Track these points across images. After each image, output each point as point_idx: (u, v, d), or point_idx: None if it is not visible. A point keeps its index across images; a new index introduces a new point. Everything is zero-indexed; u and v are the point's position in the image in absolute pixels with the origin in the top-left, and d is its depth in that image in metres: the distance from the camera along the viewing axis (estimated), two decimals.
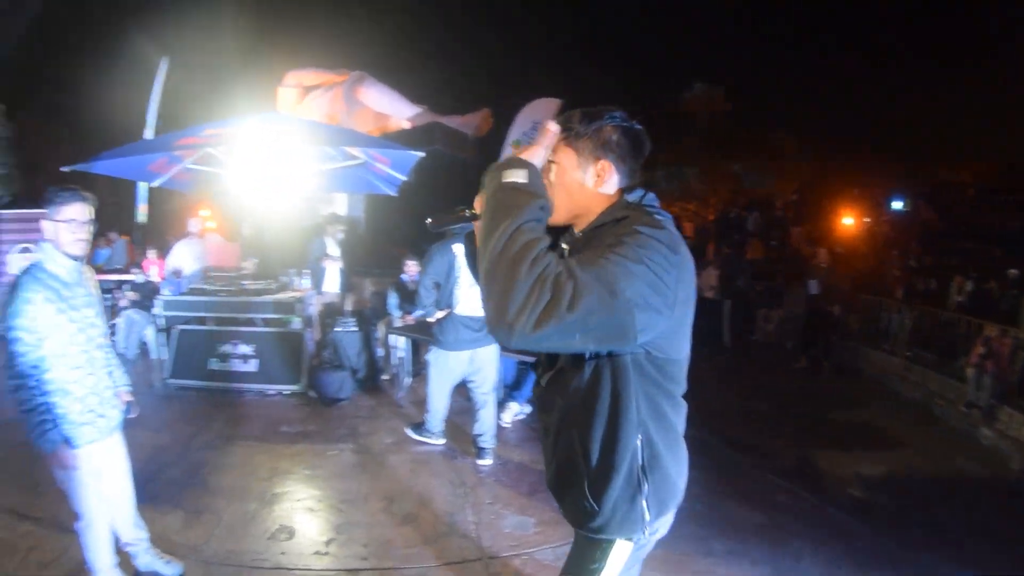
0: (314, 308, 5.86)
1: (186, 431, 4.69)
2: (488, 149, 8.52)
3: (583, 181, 1.32)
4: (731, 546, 3.24)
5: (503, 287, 0.98)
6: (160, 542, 2.80)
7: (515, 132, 8.56)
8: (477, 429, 4.12)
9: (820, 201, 18.10)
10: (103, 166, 5.66)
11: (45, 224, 2.19)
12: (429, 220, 1.39)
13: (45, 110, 17.94)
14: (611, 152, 1.31)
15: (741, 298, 9.72)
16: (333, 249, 6.27)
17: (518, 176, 1.12)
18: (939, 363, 7.23)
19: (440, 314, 4.07)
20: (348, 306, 5.95)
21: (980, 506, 4.34)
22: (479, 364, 4.07)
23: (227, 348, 5.54)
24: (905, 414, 6.52)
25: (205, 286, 5.71)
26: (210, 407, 5.26)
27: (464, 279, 3.87)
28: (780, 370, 8.39)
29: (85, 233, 2.22)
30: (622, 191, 1.34)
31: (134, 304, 6.99)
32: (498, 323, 0.98)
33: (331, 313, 5.69)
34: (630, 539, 1.36)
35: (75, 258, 2.24)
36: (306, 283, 5.92)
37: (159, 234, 10.72)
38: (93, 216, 2.24)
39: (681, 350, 1.31)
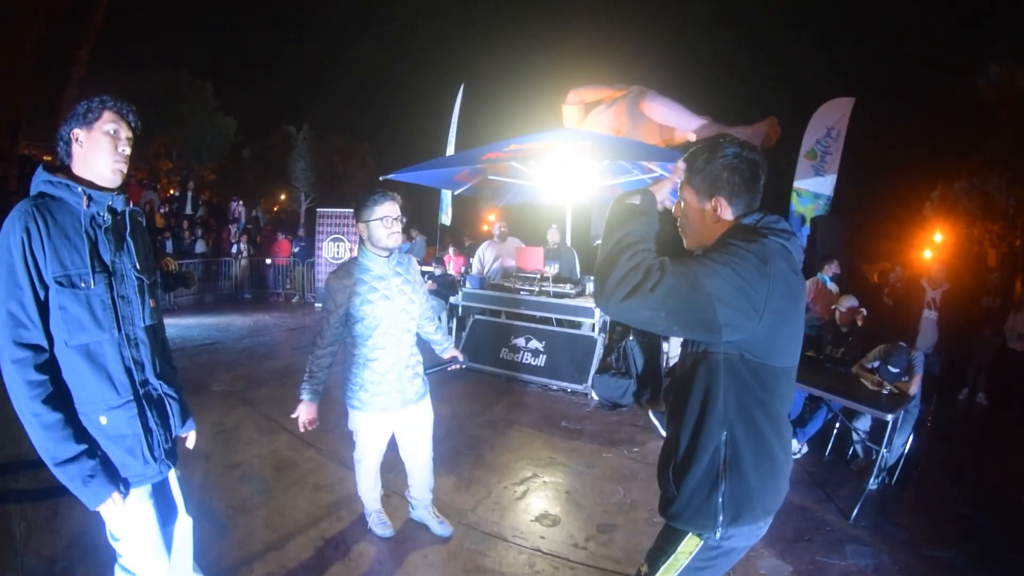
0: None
1: (470, 408, 5.16)
2: (779, 158, 8.03)
3: (702, 215, 1.47)
4: None
5: (608, 269, 1.24)
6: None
7: (809, 140, 8.10)
8: None
9: None
10: (415, 176, 6.63)
11: (360, 226, 2.52)
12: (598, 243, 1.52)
13: (346, 130, 21.61)
14: (723, 189, 1.43)
15: None
16: None
17: (634, 198, 1.38)
18: None
19: None
20: None
21: None
22: None
23: (519, 341, 6.02)
24: None
25: (506, 283, 6.27)
26: (494, 391, 5.72)
27: None
28: None
29: (397, 227, 2.53)
30: (739, 218, 1.44)
31: (432, 293, 8.03)
32: (600, 295, 1.25)
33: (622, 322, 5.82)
34: (700, 535, 1.41)
35: (390, 251, 2.57)
36: None
37: (455, 235, 12.20)
38: (399, 213, 2.54)
39: (779, 358, 1.36)
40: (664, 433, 1.58)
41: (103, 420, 1.59)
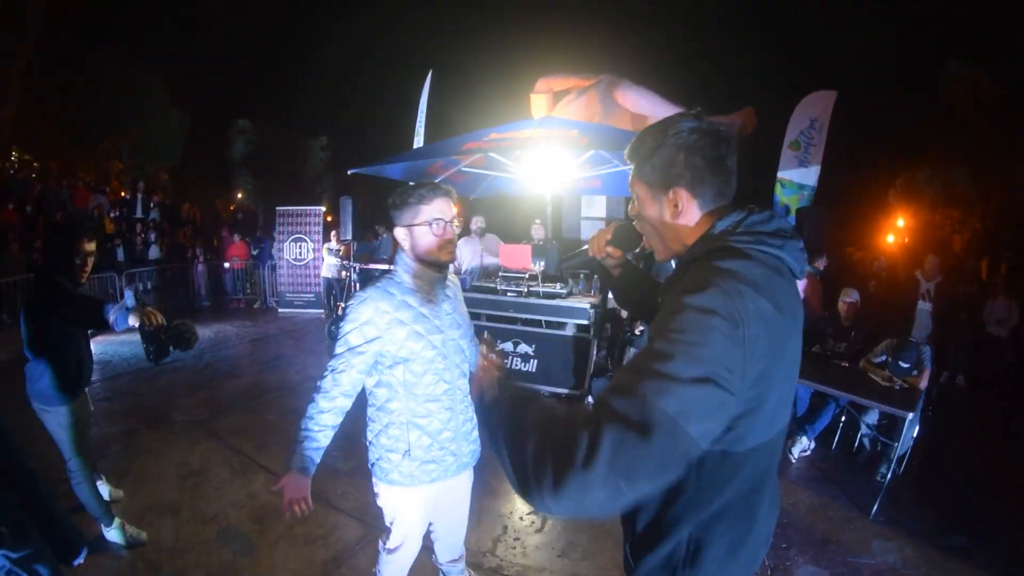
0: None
1: None
2: (756, 150, 7.90)
3: (661, 215, 1.13)
4: None
5: (517, 469, 0.89)
6: None
7: (792, 131, 8.04)
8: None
9: None
10: (389, 169, 6.18)
11: (399, 232, 1.88)
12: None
13: (303, 122, 20.77)
14: (681, 177, 1.08)
15: None
16: None
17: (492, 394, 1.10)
18: None
19: None
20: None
21: None
22: None
23: (506, 346, 5.66)
24: None
25: (489, 284, 5.88)
26: None
27: None
28: None
29: (452, 234, 1.89)
30: (712, 215, 1.09)
31: None
32: (530, 499, 0.87)
33: (611, 321, 5.52)
34: None
35: (442, 266, 1.93)
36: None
37: None
38: (455, 213, 1.93)
39: (765, 431, 1.01)
40: None
41: None
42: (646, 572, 1.15)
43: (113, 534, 2.93)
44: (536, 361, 5.53)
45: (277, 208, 11.03)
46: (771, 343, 0.92)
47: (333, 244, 9.73)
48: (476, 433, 2.10)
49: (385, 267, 10.18)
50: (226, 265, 11.32)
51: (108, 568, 2.80)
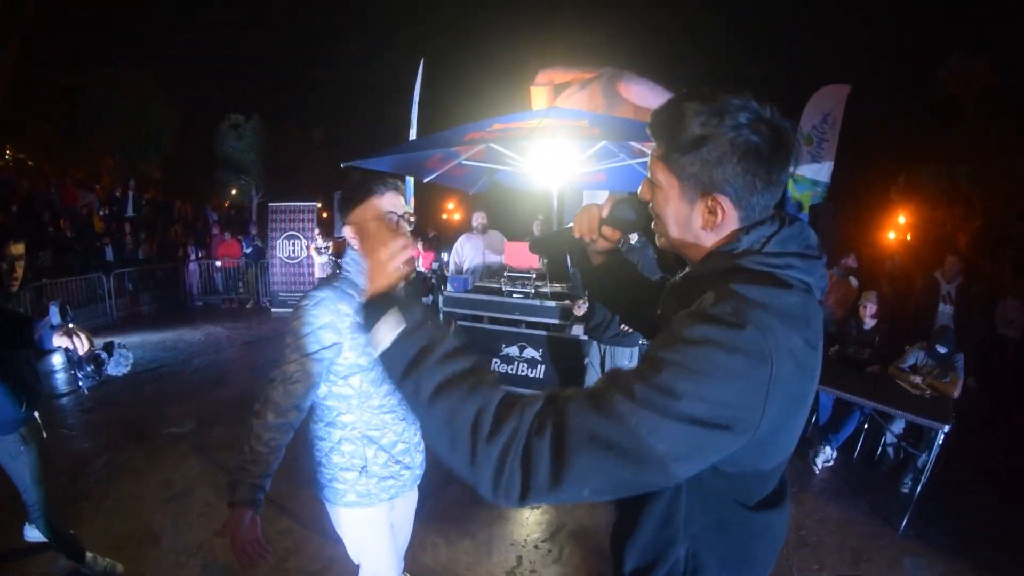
0: None
1: None
2: None
3: (688, 218, 0.91)
4: None
5: (465, 466, 0.77)
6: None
7: (805, 125, 7.81)
8: None
9: None
10: (382, 162, 5.88)
11: (348, 230, 1.67)
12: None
13: (297, 116, 20.37)
14: (729, 183, 0.85)
15: None
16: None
17: (390, 328, 0.85)
18: None
19: None
20: None
21: None
22: None
23: (512, 351, 5.38)
24: None
25: (493, 284, 5.60)
26: None
27: None
28: None
29: (405, 230, 1.67)
30: (740, 230, 0.89)
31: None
32: (491, 497, 0.76)
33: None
34: None
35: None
36: None
37: (418, 227, 11.39)
38: (407, 209, 1.71)
39: (769, 460, 0.90)
40: None
41: None
42: None
43: (84, 569, 2.64)
44: (544, 367, 5.25)
45: (270, 204, 10.71)
46: (799, 383, 0.80)
47: (320, 243, 9.41)
48: (423, 445, 1.90)
49: None
50: (217, 264, 11.00)
51: None
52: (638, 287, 1.26)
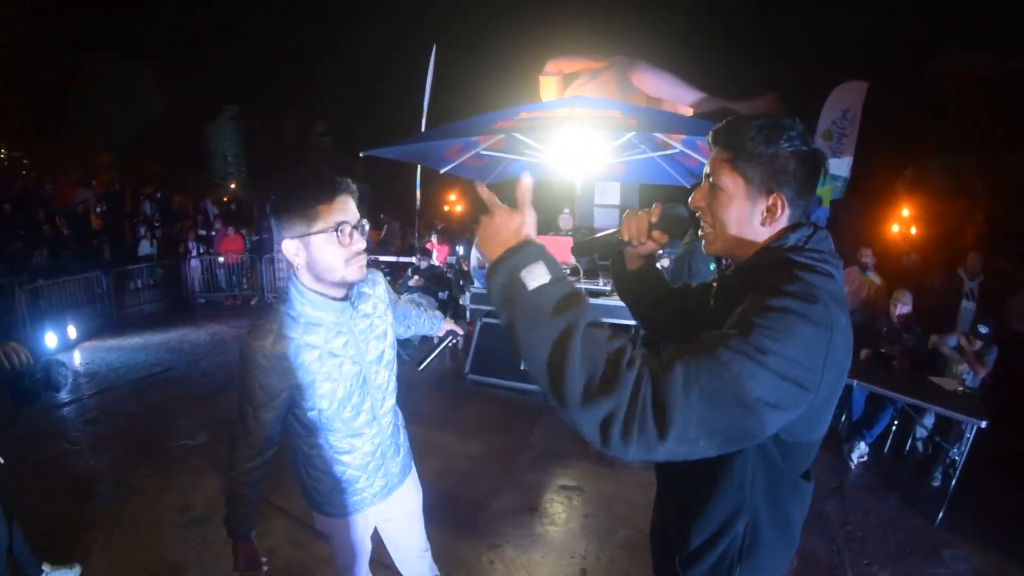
0: None
1: (504, 442, 4.38)
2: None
3: (750, 215, 1.09)
4: None
5: (575, 407, 0.82)
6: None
7: (825, 120, 7.82)
8: None
9: None
10: (399, 151, 5.61)
11: (289, 246, 1.42)
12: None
13: (299, 107, 19.99)
14: (787, 185, 1.06)
15: None
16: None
17: (539, 276, 0.88)
18: None
19: None
20: None
21: None
22: None
23: None
24: None
25: None
26: (521, 413, 5.00)
27: None
28: None
29: (361, 243, 1.44)
30: (788, 228, 1.08)
31: (420, 289, 6.99)
32: (596, 443, 0.83)
33: None
34: None
35: (349, 286, 1.53)
36: None
37: (426, 218, 11.03)
38: (360, 215, 1.47)
39: (817, 431, 1.08)
40: None
41: None
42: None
43: None
44: None
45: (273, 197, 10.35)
46: (844, 356, 0.96)
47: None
48: (403, 450, 1.87)
49: (393, 259, 9.65)
50: (220, 260, 10.67)
51: None
52: (664, 293, 1.43)
